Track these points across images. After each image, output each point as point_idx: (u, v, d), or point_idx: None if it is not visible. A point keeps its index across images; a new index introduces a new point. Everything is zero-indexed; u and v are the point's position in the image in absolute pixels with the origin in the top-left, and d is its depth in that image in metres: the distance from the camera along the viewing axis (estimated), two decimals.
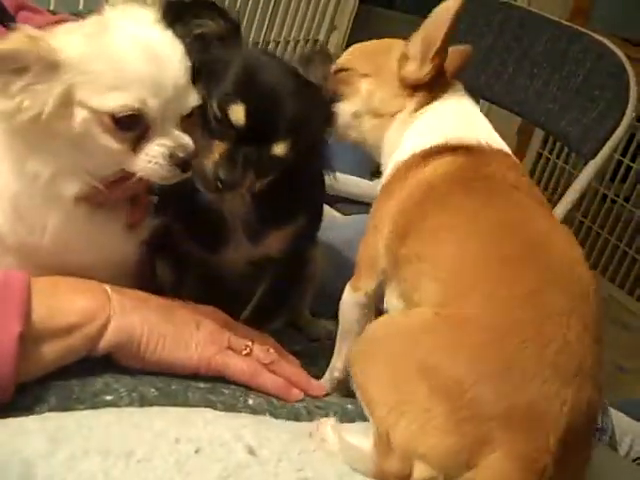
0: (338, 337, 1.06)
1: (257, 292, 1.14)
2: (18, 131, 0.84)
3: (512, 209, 0.93)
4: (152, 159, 0.86)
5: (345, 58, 1.14)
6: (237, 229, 1.07)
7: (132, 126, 0.85)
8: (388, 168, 1.06)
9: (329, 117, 1.07)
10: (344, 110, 1.09)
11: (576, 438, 0.78)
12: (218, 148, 0.94)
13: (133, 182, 0.89)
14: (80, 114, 0.83)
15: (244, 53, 0.99)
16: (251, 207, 1.05)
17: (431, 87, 1.07)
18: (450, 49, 1.05)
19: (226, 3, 2.79)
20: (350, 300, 1.03)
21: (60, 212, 0.89)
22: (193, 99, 0.90)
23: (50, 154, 0.86)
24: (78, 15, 1.75)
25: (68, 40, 0.83)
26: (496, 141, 1.05)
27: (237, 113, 0.92)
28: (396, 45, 1.10)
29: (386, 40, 1.16)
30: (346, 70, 1.11)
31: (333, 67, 1.11)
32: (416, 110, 1.07)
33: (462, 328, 0.81)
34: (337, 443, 0.86)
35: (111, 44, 0.83)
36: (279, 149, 0.95)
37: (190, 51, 0.91)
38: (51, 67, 0.81)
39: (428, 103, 1.07)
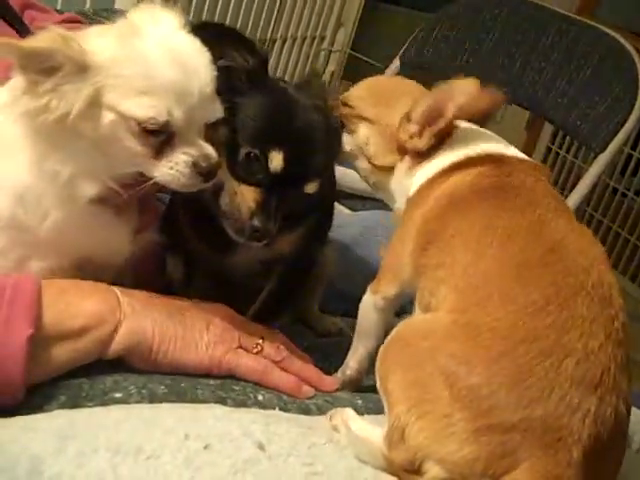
0: (355, 336, 1.07)
1: (265, 289, 1.14)
2: (42, 129, 0.84)
3: (529, 212, 0.91)
4: (175, 166, 0.86)
5: (352, 94, 1.12)
6: None
7: (158, 132, 0.84)
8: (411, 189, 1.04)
9: (340, 142, 1.08)
10: (345, 141, 1.10)
11: (603, 450, 0.77)
12: (251, 194, 0.94)
13: (147, 186, 0.88)
14: (107, 117, 0.83)
15: (271, 92, 0.99)
16: None
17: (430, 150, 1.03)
18: (479, 91, 0.98)
19: (232, 2, 2.79)
20: (369, 302, 1.04)
21: (65, 208, 0.89)
22: (218, 109, 0.90)
23: (72, 154, 0.86)
24: (85, 14, 1.76)
25: (99, 43, 0.83)
26: (516, 152, 1.03)
27: (276, 160, 0.93)
28: (405, 97, 1.07)
29: (399, 85, 1.15)
30: (350, 107, 1.10)
31: (339, 99, 1.10)
32: (413, 166, 1.04)
33: (479, 336, 0.80)
34: (347, 435, 0.86)
35: (142, 49, 0.84)
36: (311, 188, 0.97)
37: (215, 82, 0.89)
38: (81, 68, 0.81)
39: (426, 159, 1.03)
